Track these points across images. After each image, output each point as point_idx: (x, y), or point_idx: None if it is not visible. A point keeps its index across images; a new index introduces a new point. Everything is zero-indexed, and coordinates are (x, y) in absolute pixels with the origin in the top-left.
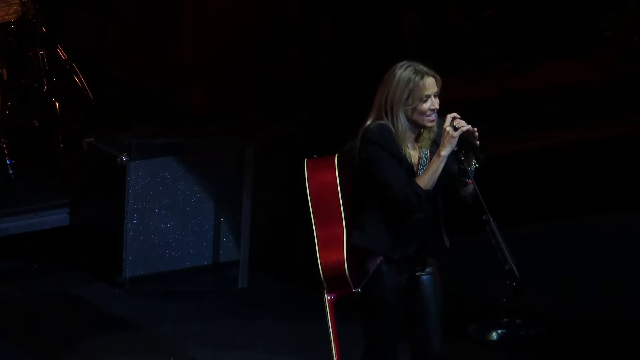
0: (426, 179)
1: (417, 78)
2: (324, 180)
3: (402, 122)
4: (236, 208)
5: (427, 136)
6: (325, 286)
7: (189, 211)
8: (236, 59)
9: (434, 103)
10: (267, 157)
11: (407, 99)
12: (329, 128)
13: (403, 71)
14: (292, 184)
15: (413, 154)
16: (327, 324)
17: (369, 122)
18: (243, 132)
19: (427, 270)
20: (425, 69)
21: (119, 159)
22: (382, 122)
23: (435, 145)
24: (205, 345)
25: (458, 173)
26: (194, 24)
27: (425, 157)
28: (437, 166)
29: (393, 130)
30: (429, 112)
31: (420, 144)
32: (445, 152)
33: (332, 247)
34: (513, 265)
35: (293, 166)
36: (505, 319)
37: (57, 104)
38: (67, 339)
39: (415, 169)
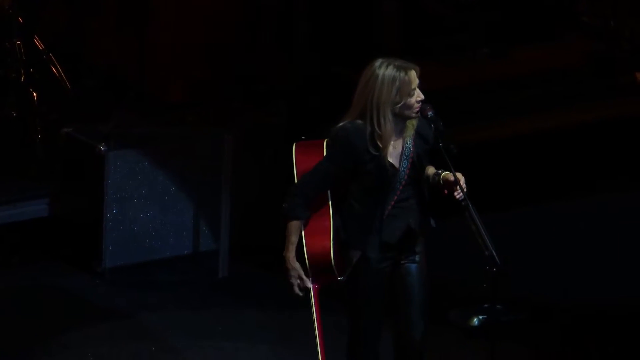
0: (287, 230)
1: (401, 74)
2: (312, 165)
3: (391, 121)
4: (215, 197)
5: (411, 125)
6: (310, 274)
7: (168, 201)
8: (214, 47)
9: (419, 94)
10: (246, 145)
11: (395, 97)
12: (307, 116)
13: (385, 70)
14: (272, 172)
15: (397, 147)
16: (311, 313)
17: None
18: (221, 121)
19: (413, 257)
20: (404, 63)
21: (97, 149)
22: (358, 121)
23: (418, 135)
24: (185, 335)
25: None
26: (172, 14)
27: (408, 147)
28: (286, 242)
29: (377, 130)
30: (416, 105)
31: (405, 134)
32: None
33: (318, 236)
34: (493, 251)
35: (272, 154)
36: (485, 305)
37: (34, 94)
38: (47, 329)
39: (396, 161)
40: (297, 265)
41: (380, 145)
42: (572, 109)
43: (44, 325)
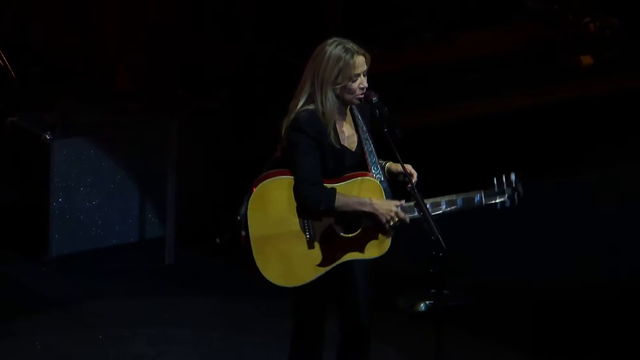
0: (341, 203)
1: (347, 56)
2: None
3: (330, 100)
4: (161, 184)
5: (357, 114)
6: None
7: (114, 189)
8: (159, 36)
9: (363, 81)
10: (191, 132)
11: (336, 77)
12: (251, 103)
13: (333, 49)
14: (216, 158)
15: (344, 130)
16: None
17: (300, 103)
18: (166, 108)
19: None
20: (355, 47)
21: (42, 138)
22: (311, 107)
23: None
24: (133, 322)
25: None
26: (117, 2)
27: (366, 139)
28: (357, 207)
29: (321, 109)
30: (358, 91)
31: (347, 119)
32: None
33: None
34: (439, 236)
35: (216, 141)
36: (432, 290)
37: None
38: None
39: (346, 144)
40: (388, 204)
41: (324, 124)
42: (517, 92)
43: None
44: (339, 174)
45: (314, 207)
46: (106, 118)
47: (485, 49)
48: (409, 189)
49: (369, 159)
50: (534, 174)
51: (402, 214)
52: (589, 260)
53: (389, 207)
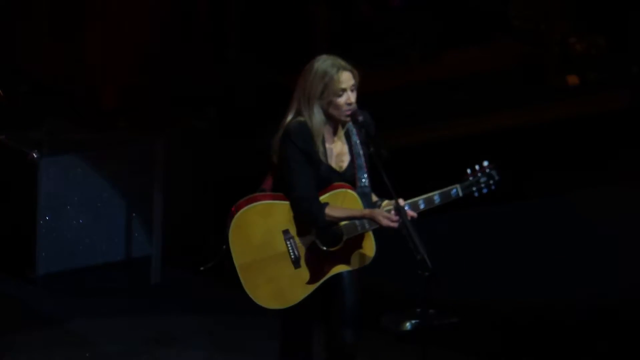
0: (335, 215)
1: (333, 71)
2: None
3: (317, 115)
4: (147, 203)
5: (353, 132)
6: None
7: (101, 207)
8: (145, 54)
9: (350, 97)
10: (177, 151)
11: (322, 92)
12: (238, 122)
13: (321, 64)
14: (203, 177)
15: (333, 147)
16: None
17: (289, 118)
18: (153, 126)
19: None
20: (343, 63)
21: (30, 156)
22: (302, 119)
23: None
24: (119, 341)
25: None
26: (103, 20)
27: (358, 152)
28: (352, 218)
29: (310, 125)
30: (345, 107)
31: (338, 136)
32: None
33: None
34: (425, 255)
35: (203, 160)
36: (418, 309)
37: None
38: None
39: (333, 162)
40: (385, 213)
41: (313, 140)
42: (503, 112)
43: None
44: (320, 188)
45: (315, 222)
46: (93, 136)
47: (472, 68)
48: (395, 208)
49: (358, 172)
50: (519, 194)
51: (400, 220)
52: (573, 280)
53: (383, 215)
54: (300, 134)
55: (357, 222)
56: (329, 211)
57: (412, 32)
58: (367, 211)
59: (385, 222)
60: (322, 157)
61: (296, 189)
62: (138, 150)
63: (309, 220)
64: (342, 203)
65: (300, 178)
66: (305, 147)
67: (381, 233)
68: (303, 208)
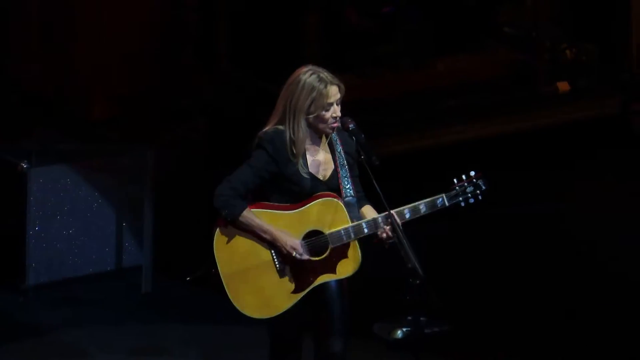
0: (246, 220)
1: (321, 86)
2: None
3: (302, 129)
4: (138, 212)
5: (336, 140)
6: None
7: (91, 217)
8: (135, 64)
9: (336, 111)
10: (168, 161)
11: (309, 106)
12: (229, 132)
13: (307, 78)
14: (194, 187)
15: (319, 158)
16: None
17: (268, 127)
18: (143, 137)
19: None
20: (329, 76)
21: (19, 166)
22: (280, 127)
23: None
24: (110, 351)
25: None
26: (94, 31)
27: (342, 162)
28: (258, 230)
29: (291, 136)
30: (331, 120)
31: (321, 147)
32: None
33: None
34: (416, 263)
35: (193, 170)
36: (409, 317)
37: None
38: None
39: (316, 171)
40: (288, 238)
41: (294, 152)
42: (494, 119)
43: None
44: (302, 199)
45: (218, 207)
46: (83, 146)
47: (463, 75)
48: (385, 216)
49: (342, 182)
50: (511, 201)
51: (301, 257)
52: (563, 287)
53: (290, 244)
54: (271, 141)
55: (342, 231)
56: (246, 213)
57: (403, 39)
58: (269, 234)
59: (284, 252)
60: (300, 167)
61: (230, 181)
62: (128, 161)
63: (215, 202)
64: (334, 212)
65: (240, 176)
66: (276, 153)
67: (371, 240)
68: (218, 190)
